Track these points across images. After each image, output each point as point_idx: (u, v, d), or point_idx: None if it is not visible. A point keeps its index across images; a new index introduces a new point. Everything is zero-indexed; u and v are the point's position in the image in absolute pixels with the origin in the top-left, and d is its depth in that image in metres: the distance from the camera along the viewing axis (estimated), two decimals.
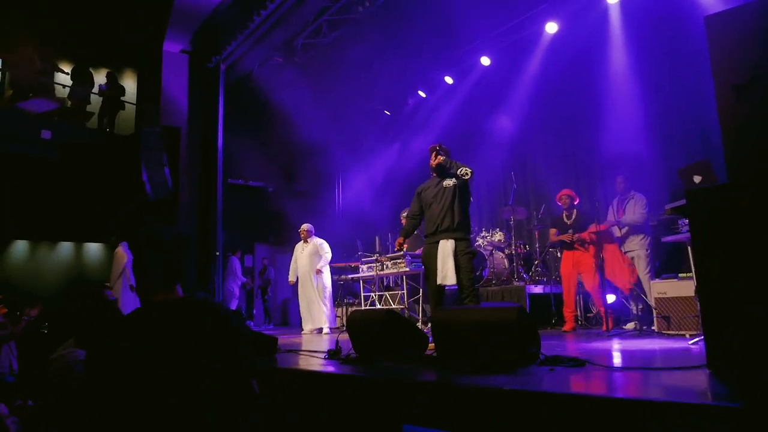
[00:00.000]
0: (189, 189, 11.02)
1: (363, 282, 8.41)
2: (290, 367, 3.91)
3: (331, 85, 11.88)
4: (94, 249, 13.08)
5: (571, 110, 8.96)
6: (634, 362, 3.64)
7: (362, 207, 12.35)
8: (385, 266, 7.69)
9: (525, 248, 8.77)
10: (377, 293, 8.14)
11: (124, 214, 10.55)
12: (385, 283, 9.69)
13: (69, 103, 11.11)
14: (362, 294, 8.39)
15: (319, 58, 11.19)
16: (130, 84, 12.71)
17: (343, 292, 9.76)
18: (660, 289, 5.79)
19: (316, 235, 8.44)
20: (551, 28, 8.98)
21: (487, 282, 8.33)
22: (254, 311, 13.28)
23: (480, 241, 8.87)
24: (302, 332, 8.18)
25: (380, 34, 10.08)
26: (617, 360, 3.79)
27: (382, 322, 4.20)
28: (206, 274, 10.96)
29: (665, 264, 7.08)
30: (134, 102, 12.12)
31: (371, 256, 8.07)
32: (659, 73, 7.86)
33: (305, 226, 8.37)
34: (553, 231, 7.26)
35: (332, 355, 4.52)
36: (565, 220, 7.13)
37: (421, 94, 11.47)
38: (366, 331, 4.41)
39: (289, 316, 13.47)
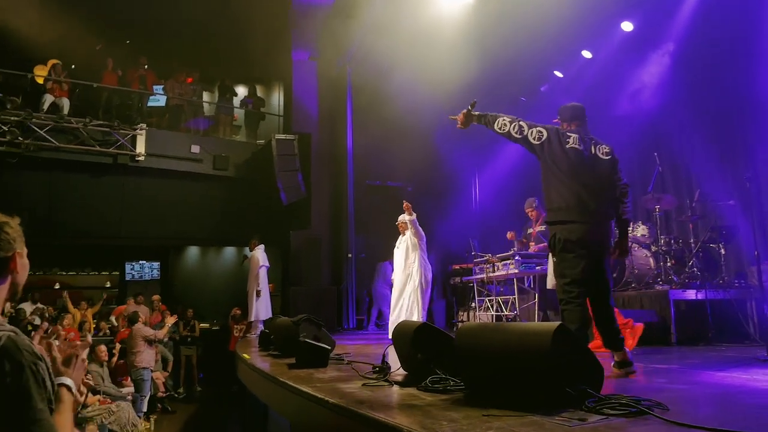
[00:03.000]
0: (321, 193, 11.10)
1: (477, 285, 7.53)
2: (298, 386, 3.36)
3: (464, 75, 11.09)
4: None
5: (729, 74, 7.06)
6: (737, 414, 2.43)
7: (500, 202, 11.35)
8: (495, 268, 6.76)
9: (677, 244, 7.10)
10: (494, 297, 7.23)
11: (263, 219, 10.98)
12: (527, 284, 8.66)
13: (217, 118, 11.92)
14: (476, 298, 7.53)
15: None
16: (275, 96, 13.33)
17: (468, 295, 8.95)
18: None
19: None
20: None
21: (625, 285, 6.92)
22: None
23: None
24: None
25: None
26: (712, 408, 2.59)
27: (412, 338, 3.48)
28: (338, 276, 10.93)
29: None
30: (276, 113, 12.64)
31: (484, 257, 7.18)
32: None
33: (403, 217, 7.27)
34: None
35: (377, 371, 3.90)
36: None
37: (558, 74, 10.15)
38: (402, 346, 3.72)
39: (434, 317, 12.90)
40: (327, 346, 4.49)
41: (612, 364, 3.68)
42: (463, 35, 9.45)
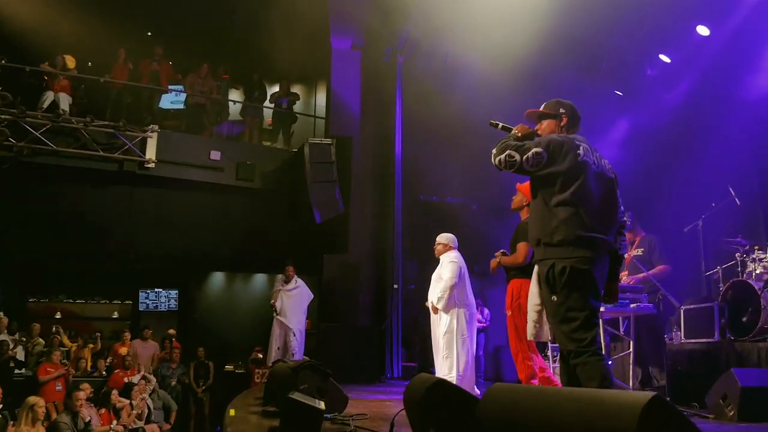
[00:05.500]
0: (363, 209, 10.40)
1: None
2: None
3: (539, 66, 10.20)
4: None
5: None
6: None
7: None
8: None
9: None
10: None
11: (293, 240, 10.38)
12: (622, 329, 7.53)
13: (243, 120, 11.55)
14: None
15: None
16: (316, 97, 12.87)
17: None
18: None
19: (457, 250, 6.31)
20: None
21: (760, 333, 5.70)
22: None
23: (752, 266, 6.29)
24: None
25: None
26: None
27: (422, 403, 2.58)
28: (382, 310, 10.13)
29: None
30: (315, 115, 12.14)
31: None
32: None
33: (440, 237, 6.30)
34: None
35: None
36: None
37: (664, 59, 9.09)
38: (412, 415, 2.83)
39: (503, 370, 11.73)
40: (319, 406, 3.62)
41: None
42: (537, 17, 8.61)
